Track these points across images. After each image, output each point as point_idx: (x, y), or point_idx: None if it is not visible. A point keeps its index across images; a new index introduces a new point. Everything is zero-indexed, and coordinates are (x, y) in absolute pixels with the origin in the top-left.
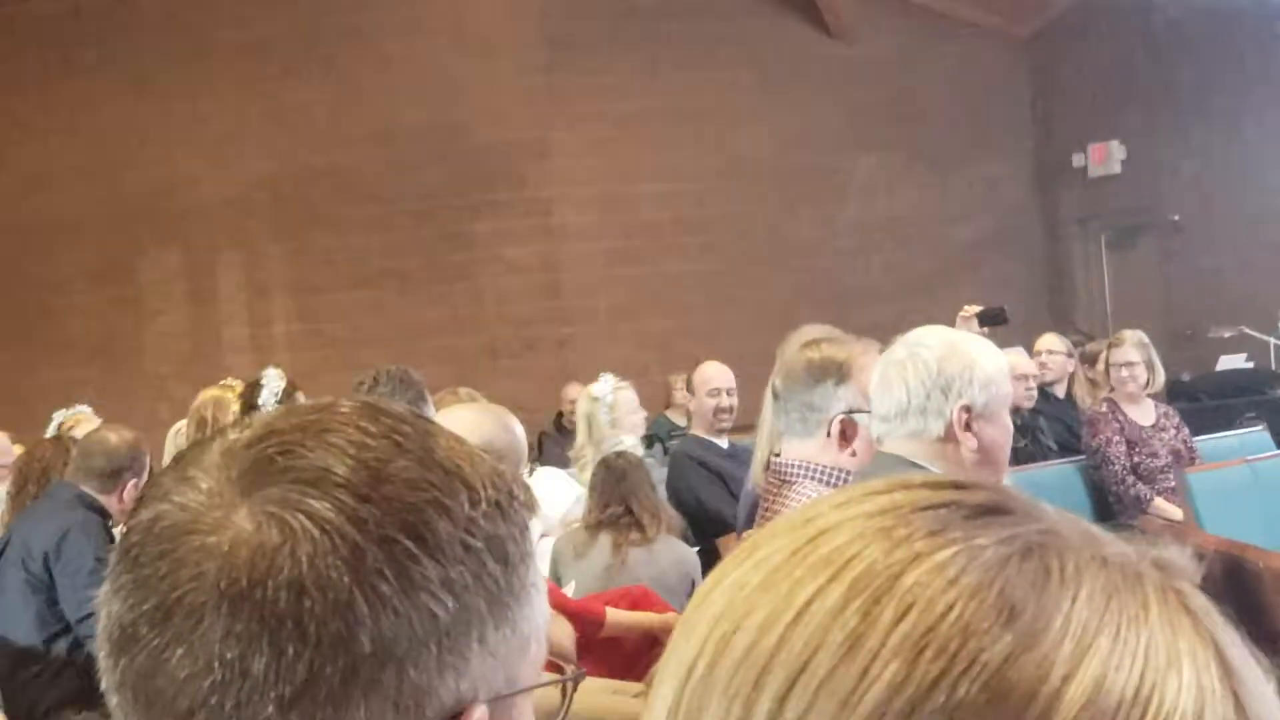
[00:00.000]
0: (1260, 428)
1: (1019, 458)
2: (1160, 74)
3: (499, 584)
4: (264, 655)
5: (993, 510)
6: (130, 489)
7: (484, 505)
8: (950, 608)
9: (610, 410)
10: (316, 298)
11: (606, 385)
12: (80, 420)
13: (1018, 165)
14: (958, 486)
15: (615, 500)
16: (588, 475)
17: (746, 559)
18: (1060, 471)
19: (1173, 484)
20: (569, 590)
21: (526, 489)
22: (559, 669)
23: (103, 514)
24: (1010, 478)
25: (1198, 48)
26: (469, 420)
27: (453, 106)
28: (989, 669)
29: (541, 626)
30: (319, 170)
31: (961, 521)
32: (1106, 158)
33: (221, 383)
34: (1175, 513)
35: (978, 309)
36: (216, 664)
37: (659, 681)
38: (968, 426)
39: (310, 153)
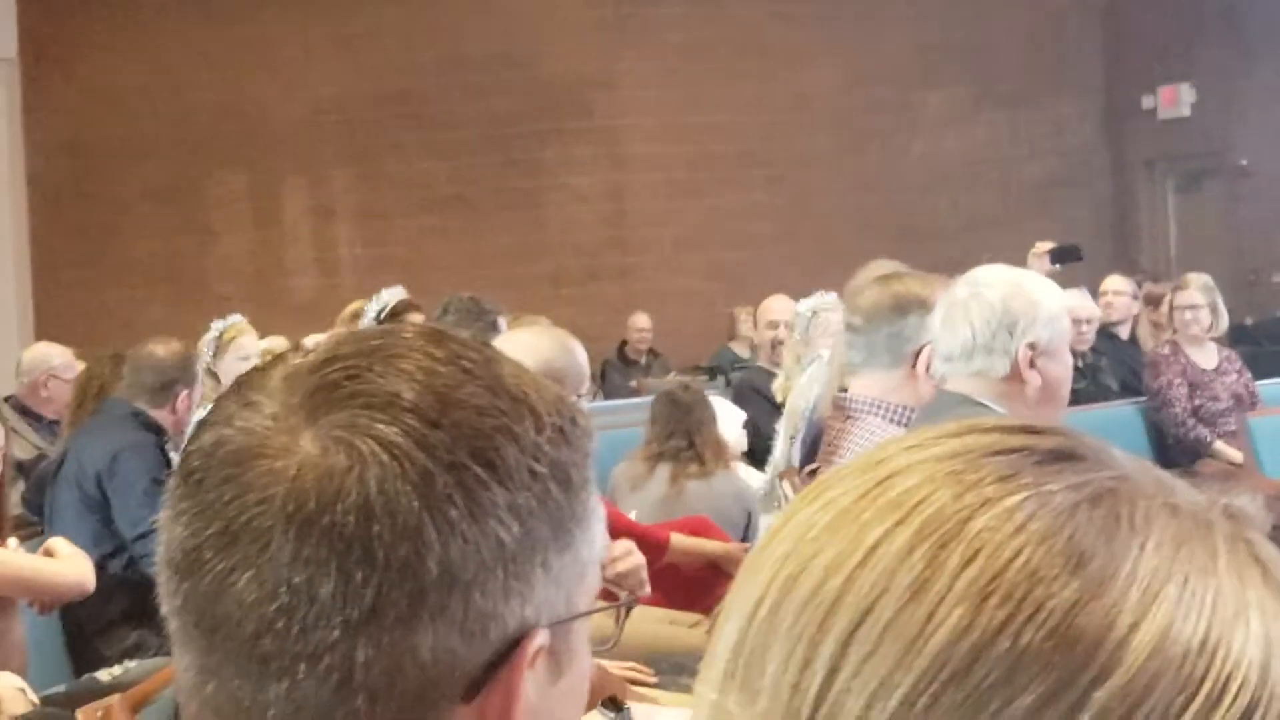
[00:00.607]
0: None
1: (1078, 399)
2: (1232, 18)
3: (562, 509)
4: (332, 579)
5: (1064, 456)
6: (183, 401)
7: (549, 431)
8: (1018, 553)
9: (806, 327)
10: (381, 223)
11: (811, 303)
12: (241, 331)
13: (1087, 106)
14: (1030, 431)
15: (679, 433)
16: (780, 380)
17: (815, 500)
18: (1120, 413)
19: (1233, 428)
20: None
21: (587, 416)
22: (613, 596)
23: (157, 431)
24: (1069, 418)
25: None
26: (528, 341)
27: (522, 34)
28: (1055, 615)
29: (599, 552)
30: (386, 95)
31: (1032, 467)
32: (1176, 100)
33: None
34: (1236, 456)
35: (1050, 246)
36: (283, 588)
37: (723, 620)
38: (1032, 364)
39: (378, 77)
